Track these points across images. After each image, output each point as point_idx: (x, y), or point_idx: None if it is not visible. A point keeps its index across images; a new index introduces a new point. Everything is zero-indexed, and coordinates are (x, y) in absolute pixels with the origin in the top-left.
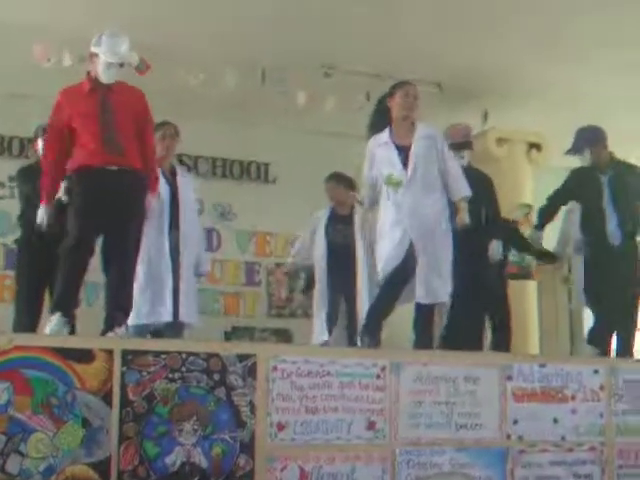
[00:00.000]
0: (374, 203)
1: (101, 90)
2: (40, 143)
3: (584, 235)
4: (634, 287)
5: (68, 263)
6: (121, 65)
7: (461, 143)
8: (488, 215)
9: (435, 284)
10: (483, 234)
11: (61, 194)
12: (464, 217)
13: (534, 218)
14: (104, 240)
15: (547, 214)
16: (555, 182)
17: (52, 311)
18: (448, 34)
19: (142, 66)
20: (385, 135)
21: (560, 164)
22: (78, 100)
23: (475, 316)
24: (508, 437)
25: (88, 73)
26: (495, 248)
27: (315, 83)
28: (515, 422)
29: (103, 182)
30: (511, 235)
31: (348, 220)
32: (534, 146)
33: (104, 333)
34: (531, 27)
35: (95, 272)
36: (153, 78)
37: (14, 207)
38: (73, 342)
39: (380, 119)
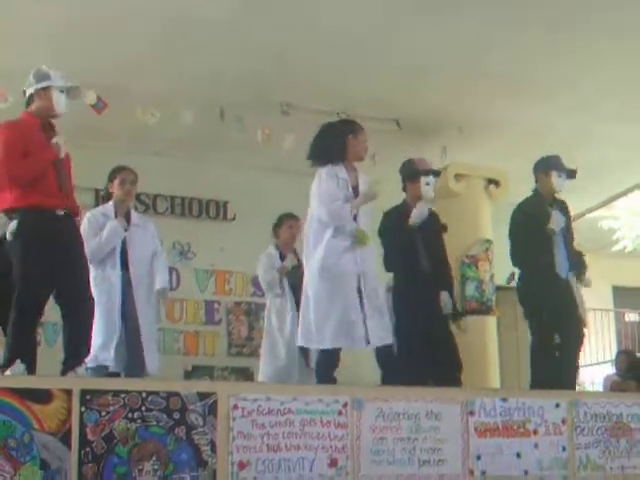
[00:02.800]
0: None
1: (49, 129)
2: None
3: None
4: None
5: (21, 312)
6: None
7: (432, 170)
8: (437, 260)
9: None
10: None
11: (9, 230)
12: None
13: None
14: (58, 286)
15: None
16: None
17: (9, 361)
18: (405, 72)
19: (99, 105)
20: (342, 171)
21: (518, 199)
22: (30, 136)
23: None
24: (471, 473)
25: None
26: (446, 300)
27: (273, 121)
28: (478, 457)
29: (56, 226)
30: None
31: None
32: (492, 182)
33: (64, 373)
34: (491, 66)
35: (53, 311)
36: (111, 117)
37: None
38: (31, 382)
39: (334, 148)
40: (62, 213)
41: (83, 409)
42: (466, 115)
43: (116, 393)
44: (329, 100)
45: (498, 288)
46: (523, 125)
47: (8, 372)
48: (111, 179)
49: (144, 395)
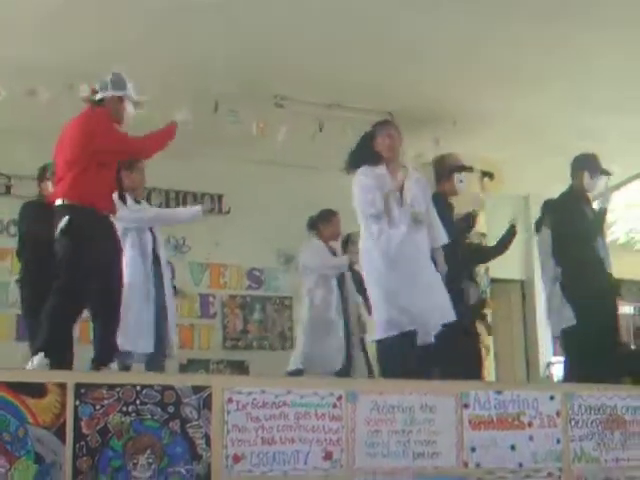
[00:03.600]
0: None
1: None
2: (50, 184)
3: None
4: None
5: (60, 309)
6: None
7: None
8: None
9: None
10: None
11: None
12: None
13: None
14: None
15: None
16: (507, 210)
17: (36, 351)
18: (399, 64)
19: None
20: (382, 170)
21: (512, 192)
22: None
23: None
24: (466, 465)
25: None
26: (472, 293)
27: (267, 113)
28: (472, 450)
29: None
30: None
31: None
32: (486, 174)
33: (97, 369)
34: (484, 57)
35: None
36: None
37: None
38: (25, 376)
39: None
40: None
41: (77, 403)
42: (459, 106)
43: (110, 387)
44: (323, 92)
45: (493, 281)
46: (517, 116)
47: (29, 365)
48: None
49: (138, 389)
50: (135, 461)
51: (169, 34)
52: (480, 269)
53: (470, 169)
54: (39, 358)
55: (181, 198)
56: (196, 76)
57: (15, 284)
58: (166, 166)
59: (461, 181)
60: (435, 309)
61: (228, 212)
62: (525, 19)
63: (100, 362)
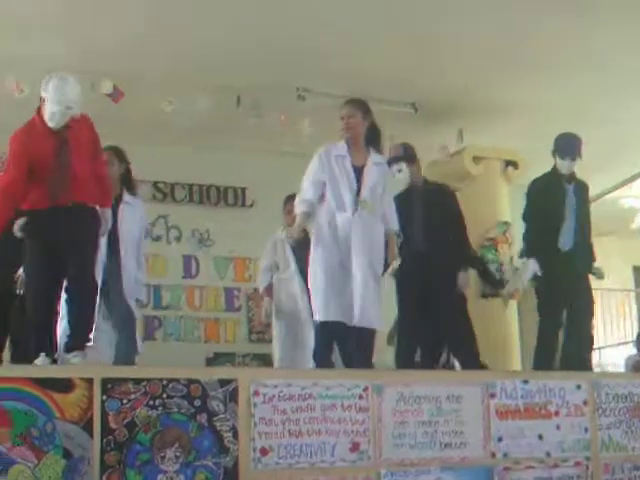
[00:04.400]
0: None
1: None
2: None
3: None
4: None
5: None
6: (68, 108)
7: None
8: (454, 237)
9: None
10: (449, 262)
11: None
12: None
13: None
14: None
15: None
16: None
17: (34, 354)
18: (421, 55)
19: (115, 94)
20: (342, 149)
21: None
22: (37, 141)
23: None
24: (493, 455)
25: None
26: (463, 279)
27: (289, 106)
28: (499, 439)
29: (55, 222)
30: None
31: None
32: (510, 163)
33: (68, 352)
34: (508, 48)
35: None
36: (127, 105)
37: None
38: (52, 372)
39: None
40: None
41: (104, 397)
42: (483, 97)
43: (137, 381)
44: (345, 84)
45: (518, 270)
46: (540, 106)
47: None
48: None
49: (165, 382)
50: (163, 455)
51: (191, 29)
52: (505, 258)
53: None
54: (42, 359)
55: (205, 192)
56: (219, 70)
57: None
58: (189, 160)
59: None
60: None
61: (252, 205)
62: (549, 10)
63: (70, 347)
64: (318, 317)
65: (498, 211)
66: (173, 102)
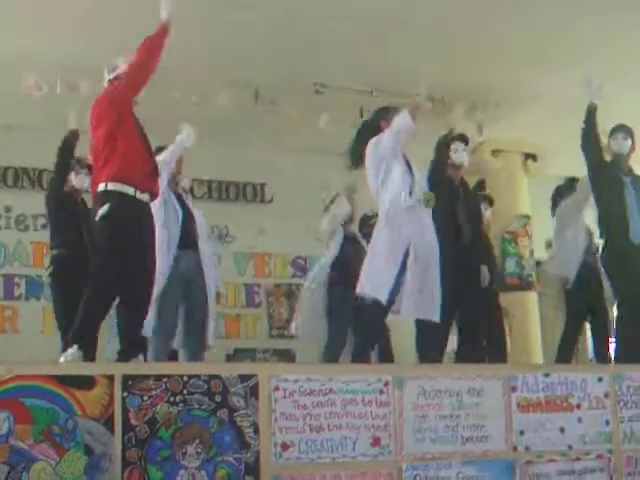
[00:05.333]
0: None
1: None
2: (74, 176)
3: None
4: None
5: (94, 298)
6: None
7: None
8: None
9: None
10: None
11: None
12: None
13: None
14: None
15: None
16: (551, 191)
17: (70, 343)
18: (439, 49)
19: None
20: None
21: (556, 173)
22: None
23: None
24: (514, 448)
25: None
26: (484, 274)
27: (307, 101)
28: (521, 433)
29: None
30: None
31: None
32: (530, 156)
33: (125, 361)
34: (523, 39)
35: None
36: (146, 100)
37: (11, 238)
38: (73, 369)
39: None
40: (147, 199)
41: (125, 394)
42: (502, 90)
43: (157, 377)
44: (362, 78)
45: (538, 263)
46: (560, 98)
47: (62, 358)
48: None
49: (185, 379)
50: (184, 451)
51: (209, 25)
52: (525, 251)
53: (461, 137)
54: (73, 351)
55: (224, 188)
56: (236, 66)
57: (48, 277)
58: (208, 156)
59: (456, 151)
60: None
61: (271, 201)
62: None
63: (127, 355)
64: None
65: (518, 204)
66: (192, 97)
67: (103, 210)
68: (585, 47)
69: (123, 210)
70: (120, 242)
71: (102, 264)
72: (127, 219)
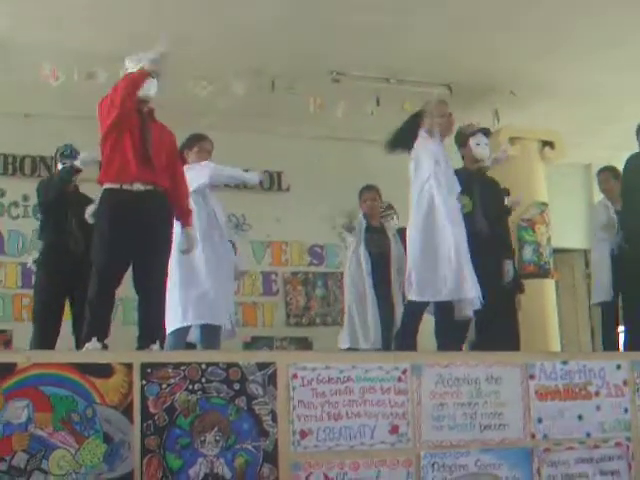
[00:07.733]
0: None
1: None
2: (60, 166)
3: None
4: None
5: (98, 289)
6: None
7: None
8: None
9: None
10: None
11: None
12: None
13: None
14: (134, 265)
15: None
16: (569, 179)
17: (86, 337)
18: (456, 35)
19: None
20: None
21: (573, 161)
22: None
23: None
24: (533, 436)
25: None
26: (509, 269)
27: (324, 89)
28: (539, 421)
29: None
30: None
31: (381, 230)
32: (547, 144)
33: (140, 349)
34: (539, 26)
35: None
36: (162, 90)
37: (28, 227)
38: (91, 357)
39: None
40: (142, 189)
41: (144, 382)
42: (518, 77)
43: (176, 366)
44: (379, 66)
45: (556, 251)
46: (576, 85)
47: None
48: (189, 146)
49: (204, 367)
50: (202, 438)
51: (224, 12)
52: (543, 239)
53: (484, 130)
54: (93, 343)
55: None
56: (253, 54)
57: (33, 264)
58: (224, 144)
59: (478, 144)
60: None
61: (288, 189)
62: None
63: (142, 343)
64: None
65: (535, 191)
66: (207, 87)
67: (90, 209)
68: (603, 35)
69: (109, 204)
70: (114, 234)
71: (98, 259)
72: (114, 211)
